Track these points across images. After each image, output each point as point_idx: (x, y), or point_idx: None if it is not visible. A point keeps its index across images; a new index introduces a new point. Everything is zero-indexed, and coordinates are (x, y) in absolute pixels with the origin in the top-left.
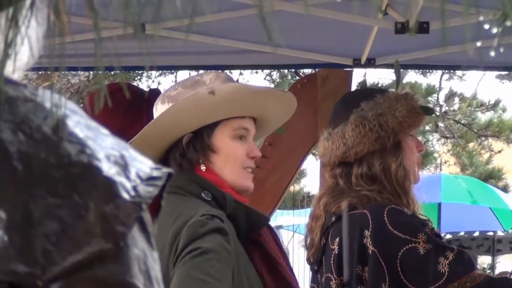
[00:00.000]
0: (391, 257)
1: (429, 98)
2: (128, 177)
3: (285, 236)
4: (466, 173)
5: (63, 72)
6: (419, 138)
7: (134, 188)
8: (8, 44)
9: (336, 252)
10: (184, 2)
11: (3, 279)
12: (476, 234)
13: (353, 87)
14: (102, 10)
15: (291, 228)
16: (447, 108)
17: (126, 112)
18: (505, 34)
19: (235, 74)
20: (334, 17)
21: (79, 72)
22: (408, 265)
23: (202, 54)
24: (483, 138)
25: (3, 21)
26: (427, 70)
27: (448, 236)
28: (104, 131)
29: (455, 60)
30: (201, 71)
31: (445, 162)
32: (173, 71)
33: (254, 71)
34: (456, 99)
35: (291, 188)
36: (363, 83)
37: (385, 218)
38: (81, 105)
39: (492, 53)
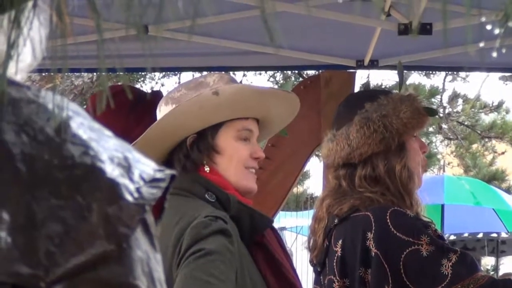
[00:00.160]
0: (394, 259)
1: (433, 100)
2: (131, 179)
3: (288, 238)
4: (469, 175)
5: (66, 74)
6: (423, 139)
7: (138, 190)
8: (11, 45)
9: (339, 254)
10: (186, 3)
11: (6, 280)
12: (480, 235)
13: (357, 89)
14: (104, 11)
15: (295, 230)
16: (450, 109)
17: (128, 114)
18: (507, 35)
19: (238, 75)
20: (337, 19)
21: (82, 73)
22: (411, 267)
23: (206, 56)
24: (486, 140)
25: (6, 22)
26: (431, 72)
27: (453, 237)
28: (108, 132)
29: (458, 61)
30: (205, 73)
31: (448, 164)
32: (176, 72)
33: (258, 72)
34: (460, 101)
35: (295, 190)
36: (366, 85)
37: (388, 220)
38: (85, 106)
39: (494, 54)
